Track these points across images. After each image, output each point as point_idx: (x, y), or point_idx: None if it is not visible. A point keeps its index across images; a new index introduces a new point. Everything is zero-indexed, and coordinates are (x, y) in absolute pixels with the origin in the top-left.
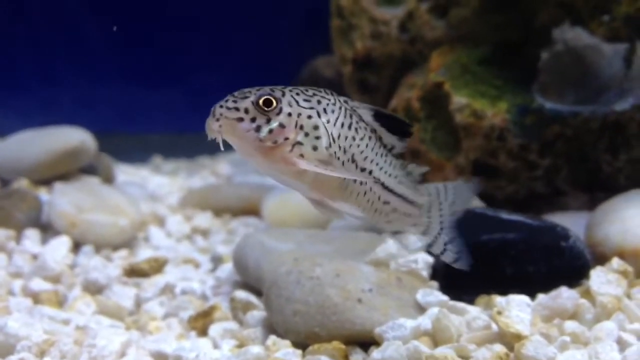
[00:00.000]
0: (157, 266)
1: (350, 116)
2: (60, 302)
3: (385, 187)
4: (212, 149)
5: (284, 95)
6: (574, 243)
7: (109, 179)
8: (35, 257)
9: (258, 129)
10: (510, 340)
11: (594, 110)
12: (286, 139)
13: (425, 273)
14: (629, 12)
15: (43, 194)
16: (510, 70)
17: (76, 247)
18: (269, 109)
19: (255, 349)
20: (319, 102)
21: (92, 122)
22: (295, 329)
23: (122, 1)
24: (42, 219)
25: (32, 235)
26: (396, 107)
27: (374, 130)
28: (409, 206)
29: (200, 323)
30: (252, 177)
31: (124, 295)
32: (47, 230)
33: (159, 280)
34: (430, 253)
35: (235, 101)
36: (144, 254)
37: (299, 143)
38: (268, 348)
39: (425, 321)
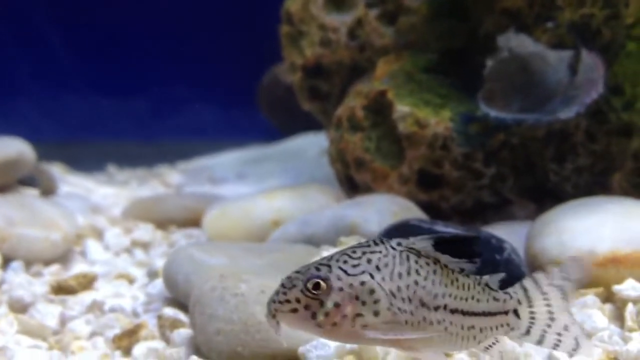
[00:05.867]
0: (86, 282)
1: (407, 259)
2: None
3: (465, 313)
4: (171, 157)
5: (330, 270)
6: (509, 256)
7: (50, 191)
8: None
9: (314, 315)
10: None
11: (539, 118)
12: (344, 316)
13: None
14: (573, 19)
15: None
16: (456, 79)
17: (6, 262)
18: (318, 292)
19: None
20: (368, 261)
21: (50, 131)
22: (218, 349)
23: (82, 10)
24: None
25: None
26: (341, 115)
27: (436, 261)
28: (497, 318)
29: (126, 342)
30: (205, 187)
31: (48, 313)
32: None
33: (86, 297)
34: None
35: (285, 293)
36: (77, 268)
37: (359, 315)
38: None
39: None
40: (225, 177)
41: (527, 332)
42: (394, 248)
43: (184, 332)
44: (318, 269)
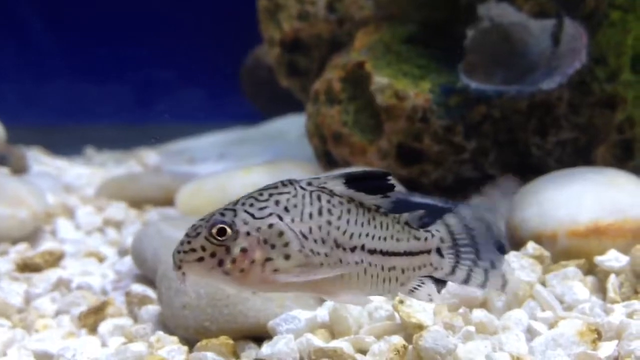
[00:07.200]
0: (52, 260)
1: (319, 198)
2: None
3: (385, 253)
4: (154, 141)
5: (236, 214)
6: None
7: (21, 170)
8: None
9: (221, 263)
10: (412, 331)
11: (521, 90)
12: (253, 262)
13: None
14: None
15: None
16: (436, 50)
17: None
18: (224, 238)
19: (136, 347)
20: (276, 202)
21: (30, 115)
22: (184, 324)
23: None
24: None
25: None
26: (318, 89)
27: (351, 200)
28: (418, 257)
29: (92, 319)
30: (183, 167)
31: (12, 291)
32: None
33: (52, 275)
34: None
35: (190, 242)
36: (46, 247)
37: (269, 259)
38: (152, 345)
39: (322, 312)
40: (205, 159)
41: (453, 271)
42: (303, 188)
43: (152, 309)
44: (223, 214)
